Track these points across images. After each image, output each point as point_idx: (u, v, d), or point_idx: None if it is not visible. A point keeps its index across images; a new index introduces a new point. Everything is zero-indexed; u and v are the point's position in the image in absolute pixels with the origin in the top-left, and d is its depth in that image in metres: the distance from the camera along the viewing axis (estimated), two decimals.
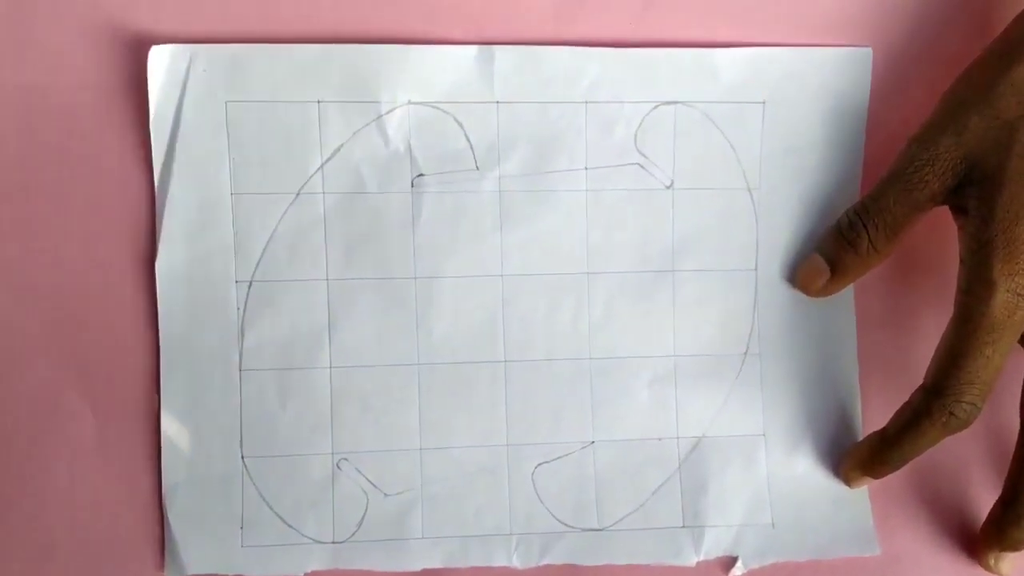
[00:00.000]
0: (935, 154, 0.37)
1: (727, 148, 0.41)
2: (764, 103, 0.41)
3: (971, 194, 0.36)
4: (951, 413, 0.36)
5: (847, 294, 0.42)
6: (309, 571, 0.39)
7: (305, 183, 0.40)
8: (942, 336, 0.37)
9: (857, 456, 0.40)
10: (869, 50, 0.41)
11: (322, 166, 0.40)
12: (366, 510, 0.40)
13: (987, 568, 0.40)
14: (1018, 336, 0.36)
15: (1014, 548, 0.39)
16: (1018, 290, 0.35)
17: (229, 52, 0.39)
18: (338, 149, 0.40)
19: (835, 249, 0.39)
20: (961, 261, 0.37)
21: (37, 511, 0.39)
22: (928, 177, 0.37)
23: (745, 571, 0.41)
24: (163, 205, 0.39)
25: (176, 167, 0.39)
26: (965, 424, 0.36)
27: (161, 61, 0.39)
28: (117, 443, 0.39)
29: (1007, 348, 0.36)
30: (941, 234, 0.41)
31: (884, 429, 0.39)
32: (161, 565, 0.39)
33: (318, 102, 0.39)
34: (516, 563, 0.40)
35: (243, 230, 0.39)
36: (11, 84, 0.39)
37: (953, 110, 0.37)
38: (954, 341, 0.36)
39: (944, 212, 0.39)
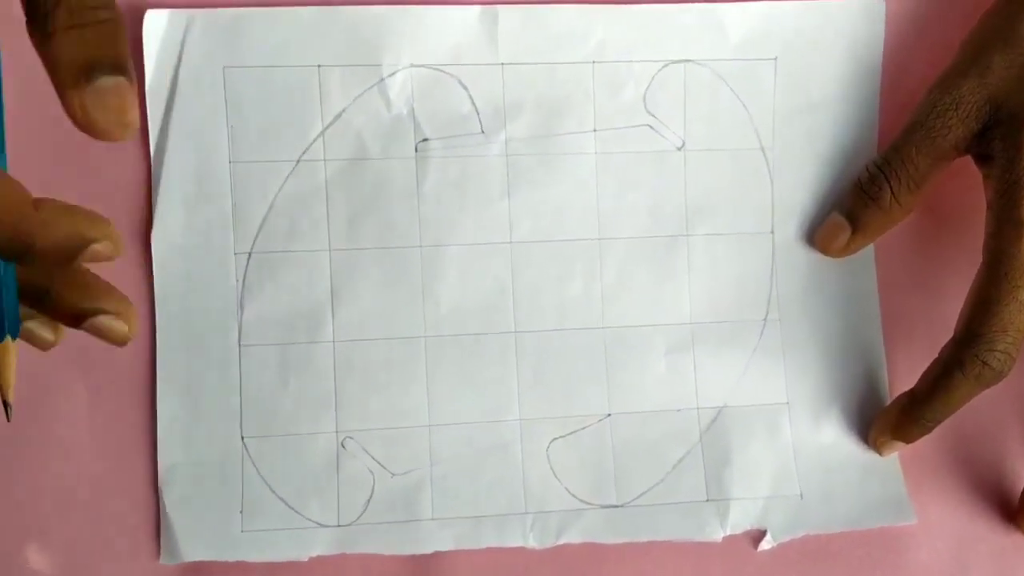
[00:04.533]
0: (958, 97, 0.36)
1: (739, 107, 0.40)
2: (776, 59, 0.40)
3: (996, 136, 0.35)
4: (984, 363, 0.34)
5: (867, 254, 0.40)
6: (313, 556, 0.37)
7: (305, 150, 0.38)
8: (972, 285, 0.36)
9: (886, 420, 0.38)
10: (882, 1, 0.40)
11: (323, 132, 0.38)
12: (372, 491, 0.38)
13: None
14: None
15: None
16: None
17: (227, 16, 0.38)
18: (339, 115, 0.38)
19: (856, 205, 0.38)
20: (988, 206, 0.36)
21: (27, 495, 0.37)
22: (952, 122, 0.36)
23: (775, 544, 0.39)
24: (159, 175, 0.38)
25: (172, 136, 0.38)
26: (999, 375, 0.35)
27: (157, 26, 0.38)
28: (111, 424, 0.38)
29: None
30: (963, 189, 0.39)
31: (914, 388, 0.37)
32: (157, 552, 0.37)
33: (318, 66, 0.38)
34: (532, 543, 0.38)
35: (242, 200, 0.38)
36: (2, 52, 0.38)
37: (975, 52, 0.36)
38: (984, 287, 0.35)
39: (964, 167, 0.38)
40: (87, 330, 0.30)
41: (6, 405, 0.28)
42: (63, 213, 0.27)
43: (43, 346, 0.31)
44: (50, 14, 0.26)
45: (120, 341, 0.30)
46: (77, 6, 0.26)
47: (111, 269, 0.37)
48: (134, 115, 0.27)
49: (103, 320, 0.30)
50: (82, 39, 0.26)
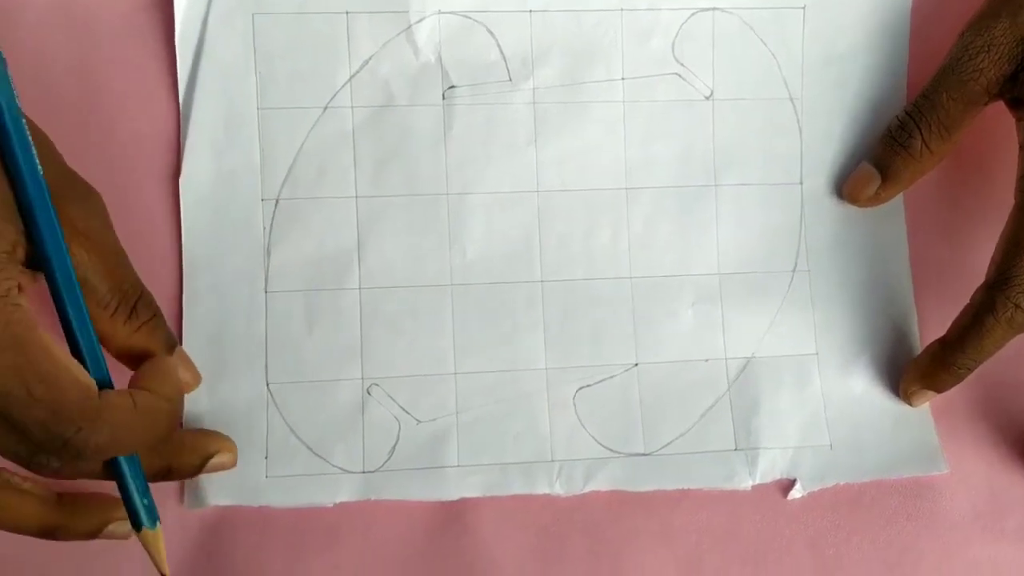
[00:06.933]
0: (990, 39, 0.35)
1: (767, 56, 0.40)
2: (804, 8, 0.40)
3: None
4: (1017, 306, 0.34)
5: (896, 204, 0.40)
6: (338, 502, 0.37)
7: (333, 97, 0.38)
8: (1003, 229, 0.35)
9: (917, 368, 0.38)
10: None
11: (350, 79, 0.38)
12: (398, 438, 0.38)
13: None
14: None
15: None
16: None
17: None
18: (367, 61, 0.38)
19: (886, 153, 0.38)
20: (1021, 148, 0.35)
21: None
22: (984, 65, 0.36)
23: (804, 493, 0.38)
24: (187, 121, 0.38)
25: (201, 82, 0.38)
26: None
27: None
28: None
29: None
30: (993, 135, 0.39)
31: (945, 336, 0.37)
32: (181, 497, 0.37)
33: (346, 13, 0.38)
34: (559, 490, 0.38)
35: (269, 146, 0.38)
36: (36, 1, 0.38)
37: None
38: (1017, 229, 0.34)
39: (995, 114, 0.37)
40: (206, 471, 0.35)
41: None
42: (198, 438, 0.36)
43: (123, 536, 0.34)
44: (133, 312, 0.33)
45: (231, 467, 0.36)
46: (148, 302, 0.34)
47: (140, 223, 0.38)
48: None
49: (217, 459, 0.36)
50: (161, 323, 0.35)
